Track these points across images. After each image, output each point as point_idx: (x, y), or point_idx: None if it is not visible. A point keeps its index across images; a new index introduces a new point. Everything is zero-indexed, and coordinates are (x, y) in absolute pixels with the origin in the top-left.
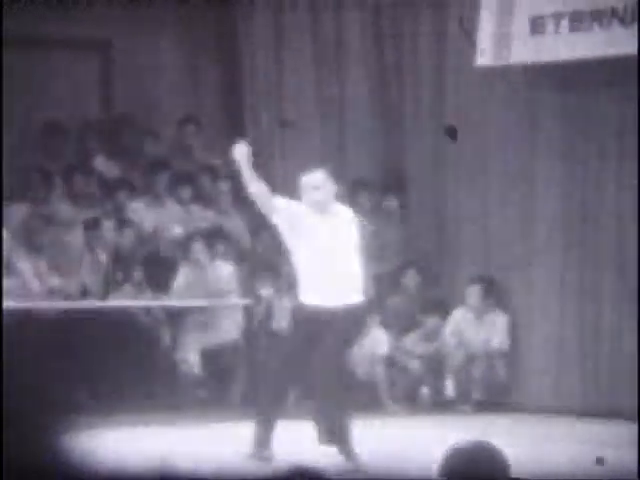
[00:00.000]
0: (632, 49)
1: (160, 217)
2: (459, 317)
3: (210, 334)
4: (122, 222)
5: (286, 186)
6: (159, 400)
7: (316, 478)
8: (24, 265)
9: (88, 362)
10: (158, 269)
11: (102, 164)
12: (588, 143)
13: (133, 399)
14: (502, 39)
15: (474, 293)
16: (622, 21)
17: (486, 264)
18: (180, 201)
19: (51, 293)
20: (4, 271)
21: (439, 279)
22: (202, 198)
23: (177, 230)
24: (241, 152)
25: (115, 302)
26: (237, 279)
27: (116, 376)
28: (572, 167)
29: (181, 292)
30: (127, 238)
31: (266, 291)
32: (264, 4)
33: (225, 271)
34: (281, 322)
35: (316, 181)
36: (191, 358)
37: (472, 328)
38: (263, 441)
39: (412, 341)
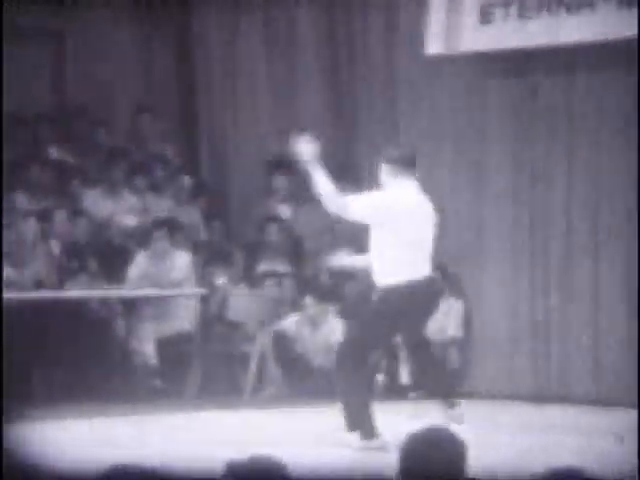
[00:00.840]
0: (580, 36)
1: (116, 207)
2: None
3: (165, 324)
4: (76, 212)
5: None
6: (114, 390)
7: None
8: None
9: (43, 353)
10: (113, 259)
11: (56, 154)
12: (537, 131)
13: (88, 389)
14: (452, 28)
15: None
16: (568, 8)
17: (439, 252)
18: (136, 191)
19: (5, 284)
20: None
21: None
22: (157, 188)
23: (132, 220)
24: (307, 149)
25: (70, 292)
26: (193, 269)
27: (71, 367)
28: (521, 155)
29: (136, 282)
30: (81, 228)
31: (221, 281)
32: None
33: (182, 261)
34: (236, 311)
35: (389, 172)
36: (146, 348)
37: None
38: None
39: None
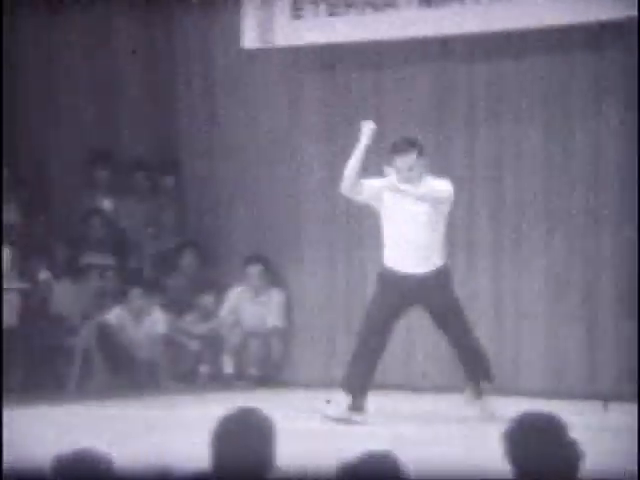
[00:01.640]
0: (385, 34)
1: None
2: (236, 296)
3: None
4: None
5: None
6: None
7: None
8: None
9: None
10: None
11: None
12: (347, 125)
13: None
14: (266, 22)
15: (251, 272)
16: (374, 6)
17: (260, 243)
18: None
19: None
20: None
21: (215, 259)
22: None
23: None
24: (369, 130)
25: None
26: (12, 262)
27: None
28: (335, 146)
29: None
30: None
31: (43, 275)
32: None
33: (3, 255)
34: (60, 305)
35: (410, 162)
36: None
37: (249, 307)
38: (358, 406)
39: (190, 321)
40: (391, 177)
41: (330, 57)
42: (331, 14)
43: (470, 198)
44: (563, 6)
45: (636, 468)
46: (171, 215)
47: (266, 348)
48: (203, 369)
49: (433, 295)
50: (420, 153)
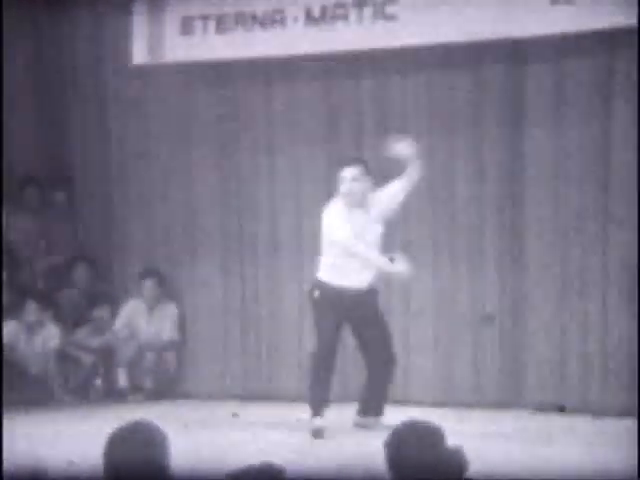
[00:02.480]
0: (274, 51)
1: None
2: (130, 309)
3: None
4: None
5: None
6: None
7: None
8: None
9: None
10: None
11: None
12: (239, 141)
13: None
14: (155, 38)
15: (146, 286)
16: (262, 24)
17: (154, 257)
18: None
19: None
20: None
21: (108, 272)
22: None
23: None
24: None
25: None
26: None
27: None
28: (229, 160)
29: None
30: None
31: None
32: None
33: None
34: None
35: (355, 174)
36: None
37: (144, 320)
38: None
39: (84, 334)
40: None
41: (221, 73)
42: (220, 31)
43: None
44: (445, 24)
45: (636, 469)
46: (62, 229)
47: (161, 361)
48: (97, 382)
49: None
50: (366, 169)
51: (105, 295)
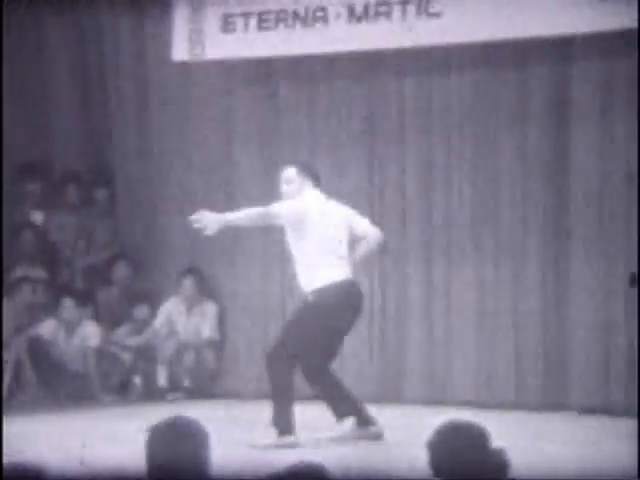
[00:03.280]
0: (316, 48)
1: None
2: (170, 308)
3: None
4: None
5: None
6: None
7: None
8: None
9: None
10: None
11: None
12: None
13: None
14: (195, 35)
15: (186, 284)
16: (304, 22)
17: (194, 255)
18: None
19: None
20: None
21: (149, 271)
22: None
23: None
24: None
25: None
26: None
27: None
28: (269, 157)
29: None
30: None
31: None
32: None
33: None
34: None
35: (288, 175)
36: None
37: (183, 318)
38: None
39: (123, 332)
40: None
41: (261, 71)
42: (261, 28)
43: (401, 210)
44: (489, 22)
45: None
46: (103, 227)
47: (200, 360)
48: (136, 381)
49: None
50: (302, 170)
51: (145, 293)
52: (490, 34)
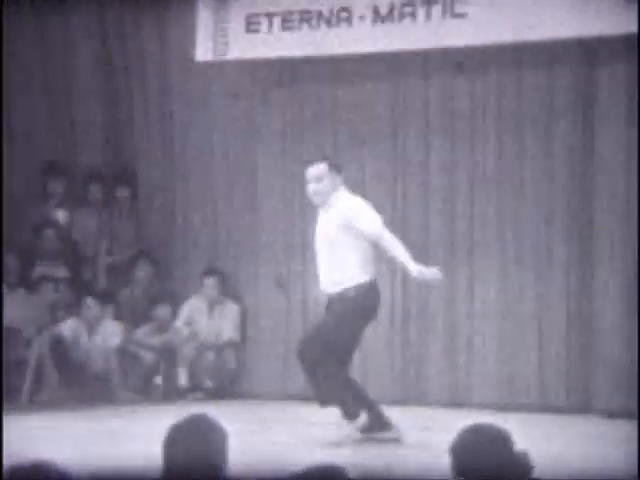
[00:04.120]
0: (340, 49)
1: None
2: (191, 308)
3: None
4: None
5: None
6: None
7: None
8: None
9: None
10: None
11: None
12: (303, 137)
13: None
14: (219, 35)
15: (208, 284)
16: (328, 22)
17: (216, 256)
18: None
19: None
20: None
21: (170, 271)
22: None
23: None
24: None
25: None
26: None
27: None
28: (293, 159)
29: None
30: None
31: None
32: None
33: None
34: (13, 317)
35: (317, 173)
36: None
37: (204, 319)
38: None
39: (145, 332)
40: None
41: (285, 71)
42: (285, 29)
43: (424, 211)
44: (515, 23)
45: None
46: (125, 227)
47: (221, 360)
48: (157, 381)
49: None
50: (332, 167)
51: (166, 293)
52: (515, 35)
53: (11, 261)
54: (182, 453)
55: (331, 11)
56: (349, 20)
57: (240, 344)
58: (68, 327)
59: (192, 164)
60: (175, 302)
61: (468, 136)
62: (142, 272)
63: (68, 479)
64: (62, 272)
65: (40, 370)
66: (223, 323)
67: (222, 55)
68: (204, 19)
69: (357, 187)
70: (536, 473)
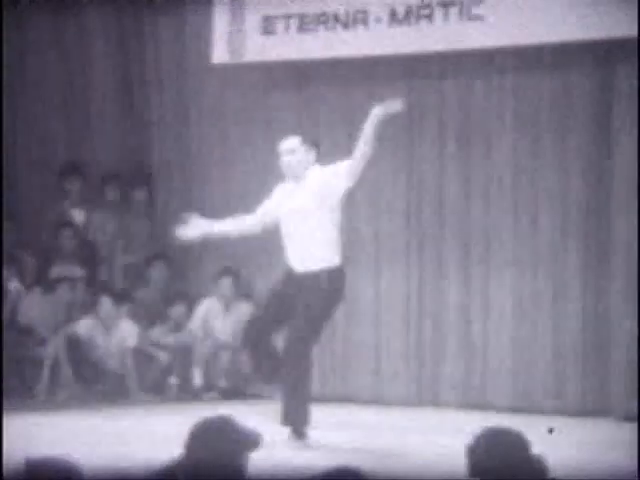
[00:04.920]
0: (356, 51)
1: None
2: (206, 308)
3: None
4: None
5: None
6: None
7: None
8: None
9: None
10: None
11: None
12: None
13: None
14: (235, 37)
15: (223, 284)
16: (345, 24)
17: (231, 256)
18: None
19: None
20: None
21: (186, 271)
22: None
23: None
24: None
25: None
26: None
27: None
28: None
29: None
30: None
31: (13, 285)
32: None
33: None
34: (29, 316)
35: (291, 145)
36: None
37: (219, 319)
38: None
39: (160, 332)
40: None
41: (302, 73)
42: (302, 30)
43: (439, 214)
44: (532, 26)
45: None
46: (142, 227)
47: (235, 360)
48: (172, 380)
49: (304, 295)
50: (306, 141)
51: (182, 294)
52: (532, 38)
53: (28, 260)
54: (203, 451)
55: (347, 13)
56: (365, 22)
57: None
58: (84, 326)
59: (208, 165)
60: (190, 302)
61: (484, 140)
62: (158, 272)
63: (81, 476)
64: (78, 272)
65: (56, 369)
66: (238, 323)
67: (239, 57)
68: (220, 21)
69: (371, 190)
70: (551, 476)
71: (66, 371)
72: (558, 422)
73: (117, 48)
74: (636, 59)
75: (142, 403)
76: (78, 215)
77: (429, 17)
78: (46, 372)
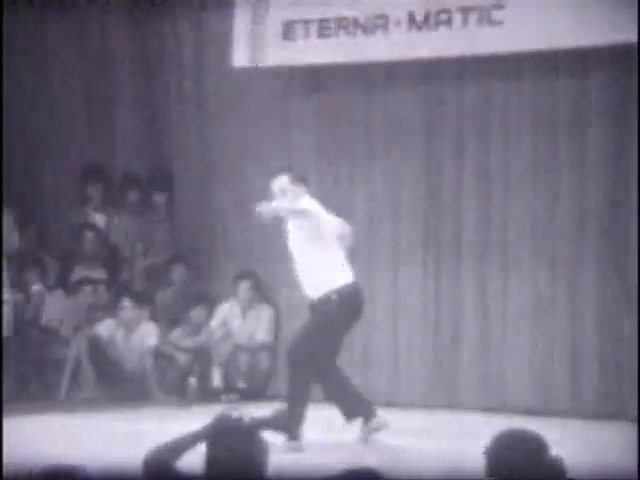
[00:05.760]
0: (375, 56)
1: None
2: (226, 310)
3: None
4: None
5: None
6: None
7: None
8: None
9: None
10: None
11: None
12: (338, 144)
13: None
14: (256, 41)
15: (242, 287)
16: (365, 29)
17: (250, 259)
18: None
19: None
20: None
21: (205, 273)
22: None
23: None
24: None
25: None
26: (7, 275)
27: None
28: (326, 164)
29: None
30: None
31: (36, 287)
32: None
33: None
34: (51, 317)
35: (281, 185)
36: None
37: (238, 321)
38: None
39: (180, 334)
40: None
41: (321, 78)
42: (322, 35)
43: (457, 218)
44: (551, 31)
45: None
46: (162, 230)
47: (254, 362)
48: (192, 382)
49: (318, 315)
50: (294, 179)
51: (201, 296)
52: (551, 42)
53: (51, 263)
54: (225, 454)
55: (367, 18)
56: (385, 27)
57: (273, 346)
58: (105, 328)
59: (228, 168)
60: (210, 304)
61: (502, 143)
62: (178, 275)
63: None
64: (100, 274)
65: (77, 369)
66: (257, 325)
67: (259, 61)
68: (241, 25)
69: (390, 193)
70: (569, 478)
71: (87, 372)
72: (574, 424)
73: (138, 51)
74: None
75: (162, 404)
76: (100, 218)
77: (448, 22)
78: (68, 373)
